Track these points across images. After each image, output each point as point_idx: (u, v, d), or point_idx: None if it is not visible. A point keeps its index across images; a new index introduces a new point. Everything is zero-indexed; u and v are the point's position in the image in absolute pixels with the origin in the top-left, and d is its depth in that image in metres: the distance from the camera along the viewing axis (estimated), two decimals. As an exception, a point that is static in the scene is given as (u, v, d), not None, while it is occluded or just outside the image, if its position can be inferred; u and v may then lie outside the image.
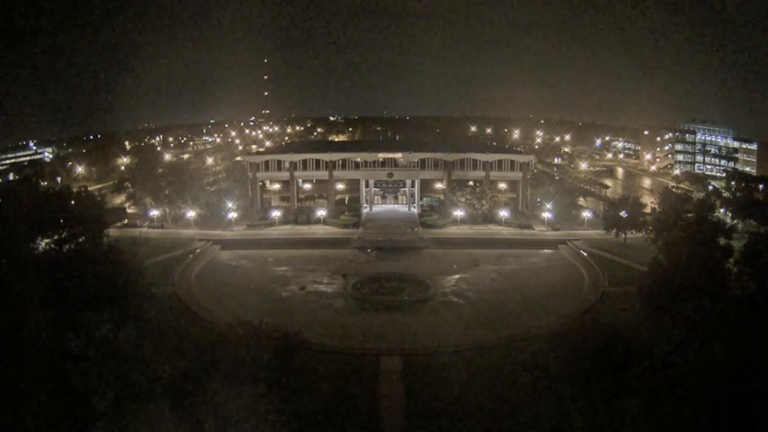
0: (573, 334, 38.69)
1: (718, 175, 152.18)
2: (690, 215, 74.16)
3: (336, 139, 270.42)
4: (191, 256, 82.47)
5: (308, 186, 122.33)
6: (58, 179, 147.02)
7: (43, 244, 63.63)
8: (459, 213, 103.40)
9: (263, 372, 32.76)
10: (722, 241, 60.63)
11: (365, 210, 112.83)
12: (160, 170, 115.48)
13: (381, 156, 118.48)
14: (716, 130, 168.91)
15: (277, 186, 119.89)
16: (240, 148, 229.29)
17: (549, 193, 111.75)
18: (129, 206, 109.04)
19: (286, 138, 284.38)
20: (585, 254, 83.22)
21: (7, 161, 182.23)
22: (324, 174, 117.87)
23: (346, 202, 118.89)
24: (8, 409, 30.61)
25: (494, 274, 76.68)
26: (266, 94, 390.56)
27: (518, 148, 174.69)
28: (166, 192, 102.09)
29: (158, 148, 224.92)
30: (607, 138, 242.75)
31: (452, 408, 41.14)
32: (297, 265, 79.76)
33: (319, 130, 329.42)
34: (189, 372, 31.71)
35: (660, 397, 30.98)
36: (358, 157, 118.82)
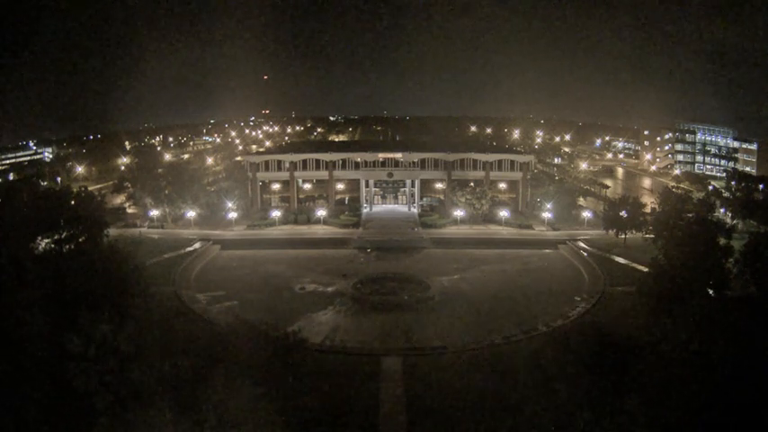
0: (573, 334, 38.74)
1: (718, 175, 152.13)
2: (690, 215, 74.17)
3: (336, 139, 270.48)
4: (191, 256, 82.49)
5: (308, 186, 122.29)
6: (58, 179, 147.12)
7: (43, 244, 63.73)
8: (459, 213, 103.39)
9: (263, 372, 32.78)
10: (722, 241, 60.63)
11: (365, 210, 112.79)
12: (160, 170, 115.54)
13: (381, 156, 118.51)
14: (716, 130, 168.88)
15: (277, 186, 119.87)
16: (240, 148, 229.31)
17: (549, 193, 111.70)
18: (129, 206, 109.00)
19: (286, 138, 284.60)
20: (585, 254, 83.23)
21: (7, 161, 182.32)
22: (324, 174, 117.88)
23: (346, 202, 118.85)
24: (8, 409, 30.61)
25: (494, 274, 76.60)
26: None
27: (518, 148, 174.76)
28: (166, 192, 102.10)
29: (158, 148, 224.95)
30: (607, 138, 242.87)
31: (452, 407, 41.13)
32: (297, 265, 79.71)
33: (319, 130, 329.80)
34: (189, 371, 31.71)
35: (660, 397, 30.97)
36: (358, 157, 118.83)
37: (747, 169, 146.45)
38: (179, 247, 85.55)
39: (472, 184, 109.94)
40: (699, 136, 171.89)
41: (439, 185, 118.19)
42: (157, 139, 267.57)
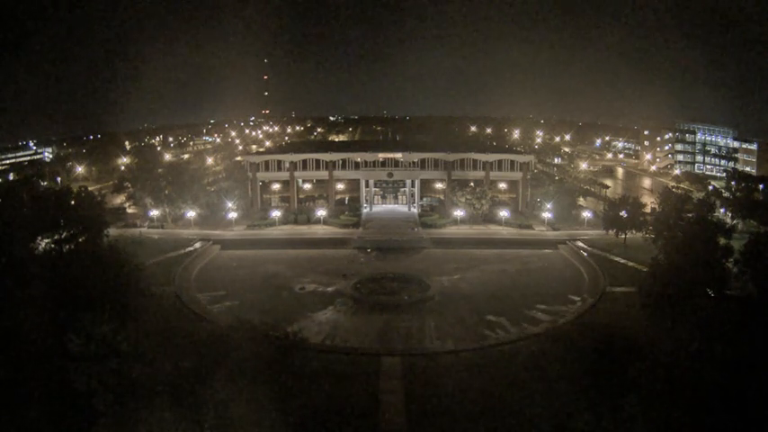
0: (573, 334, 38.78)
1: (718, 175, 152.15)
2: (690, 215, 74.16)
3: (336, 139, 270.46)
4: (191, 256, 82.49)
5: (308, 186, 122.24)
6: (58, 179, 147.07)
7: (43, 244, 63.65)
8: (459, 213, 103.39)
9: (263, 372, 32.80)
10: (722, 241, 60.61)
11: (365, 210, 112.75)
12: (160, 170, 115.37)
13: (381, 156, 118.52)
14: (716, 130, 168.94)
15: (277, 186, 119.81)
16: (240, 148, 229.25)
17: (549, 193, 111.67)
18: (129, 206, 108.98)
19: (286, 138, 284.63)
20: (585, 254, 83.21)
21: (7, 161, 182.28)
22: (324, 174, 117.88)
23: (346, 202, 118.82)
24: (8, 409, 30.60)
25: (494, 274, 76.58)
26: (266, 94, 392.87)
27: (518, 148, 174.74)
28: (166, 192, 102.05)
29: (158, 148, 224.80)
30: (607, 138, 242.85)
31: (452, 408, 41.13)
32: (297, 266, 79.68)
33: (319, 130, 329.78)
34: (189, 371, 31.73)
35: (660, 397, 30.98)
36: (358, 157, 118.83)
37: (747, 169, 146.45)
38: (179, 247, 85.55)
39: (472, 184, 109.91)
40: (699, 136, 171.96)
41: (439, 185, 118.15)
42: (157, 139, 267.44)
